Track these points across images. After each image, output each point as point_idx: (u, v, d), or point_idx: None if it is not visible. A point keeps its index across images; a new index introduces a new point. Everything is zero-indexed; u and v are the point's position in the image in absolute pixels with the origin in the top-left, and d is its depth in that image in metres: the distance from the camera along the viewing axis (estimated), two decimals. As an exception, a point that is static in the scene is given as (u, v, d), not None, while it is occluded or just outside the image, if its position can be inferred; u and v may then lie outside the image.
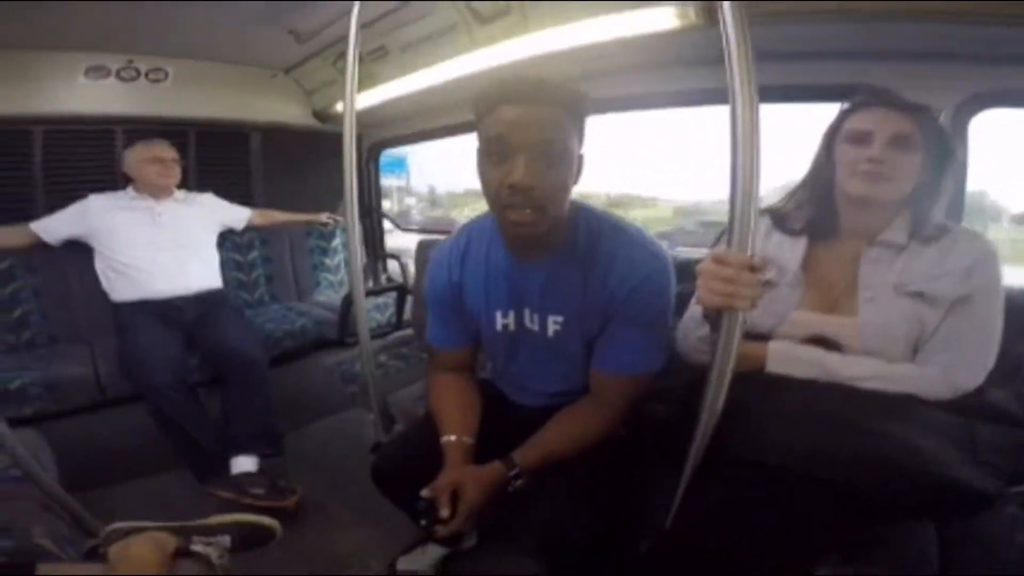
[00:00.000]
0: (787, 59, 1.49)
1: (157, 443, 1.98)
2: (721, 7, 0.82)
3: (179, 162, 2.35)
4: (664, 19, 1.42)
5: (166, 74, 2.53)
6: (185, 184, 2.48)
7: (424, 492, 1.07)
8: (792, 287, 1.09)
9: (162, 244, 2.26)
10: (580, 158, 1.05)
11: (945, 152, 1.04)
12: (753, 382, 1.00)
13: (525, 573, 1.05)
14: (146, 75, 2.49)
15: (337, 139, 1.58)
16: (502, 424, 1.25)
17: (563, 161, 1.00)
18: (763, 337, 1.08)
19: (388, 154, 3.33)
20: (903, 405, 0.92)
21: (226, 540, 1.40)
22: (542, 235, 1.04)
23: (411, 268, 2.86)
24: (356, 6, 1.48)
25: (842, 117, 1.08)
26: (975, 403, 0.95)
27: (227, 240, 2.66)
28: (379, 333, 2.62)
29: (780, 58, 1.47)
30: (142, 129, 2.45)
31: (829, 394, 0.95)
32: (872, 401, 0.93)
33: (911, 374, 0.97)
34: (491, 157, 0.99)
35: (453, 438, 1.17)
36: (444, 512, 1.03)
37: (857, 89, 1.10)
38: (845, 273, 1.08)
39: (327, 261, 3.11)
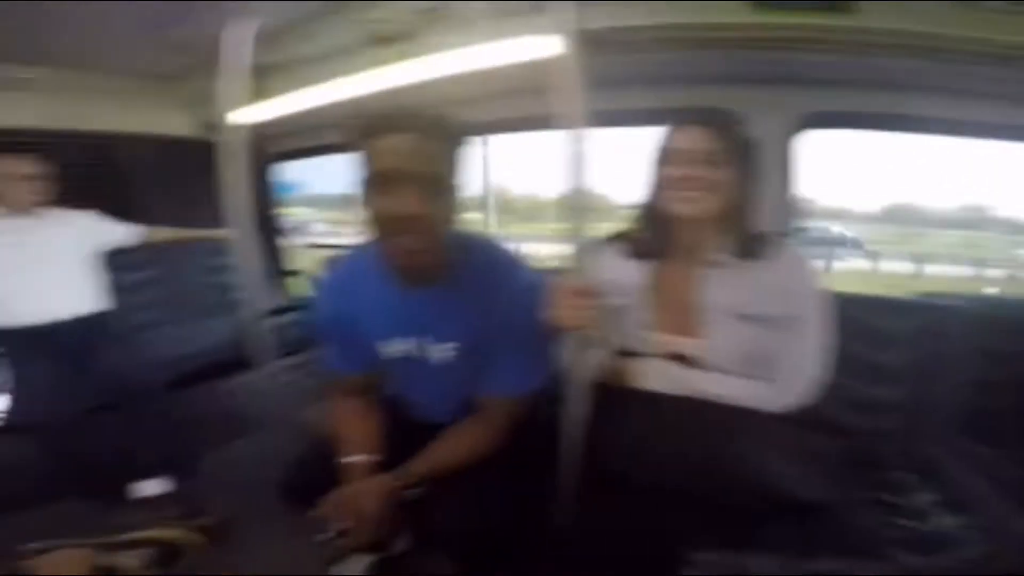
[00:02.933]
0: (635, 85, 1.66)
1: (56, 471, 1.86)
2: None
3: (39, 178, 2.17)
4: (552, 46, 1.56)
5: (31, 83, 2.34)
6: (61, 200, 2.29)
7: (312, 513, 1.10)
8: (639, 308, 1.17)
9: (30, 267, 2.10)
10: (462, 186, 1.10)
11: (753, 167, 1.12)
12: (622, 400, 1.12)
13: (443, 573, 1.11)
14: (10, 84, 2.30)
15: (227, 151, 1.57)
16: (408, 437, 1.24)
17: (448, 190, 1.05)
18: (633, 355, 1.18)
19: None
20: (749, 422, 1.05)
21: (147, 553, 1.36)
22: (428, 263, 1.09)
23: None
24: (247, 24, 1.50)
25: (661, 140, 1.14)
26: (807, 415, 1.09)
27: (113, 260, 2.49)
28: (287, 352, 2.56)
29: (630, 85, 1.63)
30: (7, 142, 2.22)
31: (685, 412, 1.07)
32: (722, 418, 1.05)
33: (756, 392, 1.08)
34: (374, 187, 1.01)
35: (355, 459, 1.18)
36: (336, 527, 1.09)
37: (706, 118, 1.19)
38: (687, 293, 1.14)
39: (223, 280, 2.98)
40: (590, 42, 1.11)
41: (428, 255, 1.07)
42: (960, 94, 1.47)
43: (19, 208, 2.13)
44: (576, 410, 1.06)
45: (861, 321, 1.40)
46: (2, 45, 2.09)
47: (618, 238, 1.25)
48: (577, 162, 0.94)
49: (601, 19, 1.38)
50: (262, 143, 2.98)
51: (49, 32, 2.01)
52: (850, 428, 1.27)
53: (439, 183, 1.03)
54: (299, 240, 3.42)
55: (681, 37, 1.37)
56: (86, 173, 2.63)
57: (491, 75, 1.75)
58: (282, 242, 3.31)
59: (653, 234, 1.18)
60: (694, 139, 1.08)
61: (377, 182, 1.01)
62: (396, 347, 1.22)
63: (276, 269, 3.24)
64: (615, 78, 1.66)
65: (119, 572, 1.17)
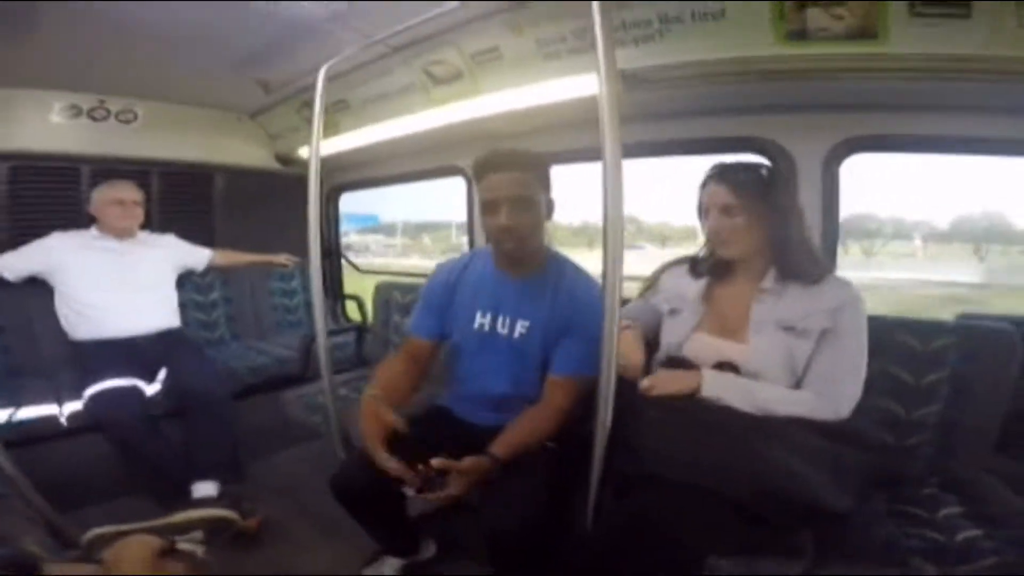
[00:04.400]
0: (678, 117, 1.76)
1: (119, 470, 2.02)
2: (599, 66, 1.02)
3: (141, 204, 2.41)
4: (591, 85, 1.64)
5: (135, 115, 2.63)
6: (148, 224, 2.54)
7: (435, 462, 1.25)
8: (692, 313, 1.35)
9: (122, 285, 2.30)
10: (549, 202, 1.45)
11: (779, 207, 1.23)
12: (661, 405, 1.19)
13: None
14: (116, 115, 2.59)
15: (298, 182, 1.72)
16: (453, 442, 1.39)
17: (532, 207, 1.39)
18: (681, 363, 1.29)
19: (358, 212, 3.47)
20: (784, 431, 1.11)
21: (199, 535, 1.49)
22: (523, 259, 1.47)
23: (369, 308, 2.91)
24: (324, 67, 1.66)
25: (699, 192, 1.32)
26: (843, 428, 1.15)
27: (188, 281, 2.72)
28: (338, 370, 2.63)
29: (671, 116, 1.74)
30: (108, 168, 2.53)
31: (724, 420, 1.14)
32: (759, 426, 1.12)
33: (807, 401, 1.16)
34: (487, 210, 1.40)
35: (373, 392, 1.43)
36: (457, 481, 1.25)
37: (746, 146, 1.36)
38: (739, 308, 1.29)
39: (287, 302, 3.20)
40: (630, 80, 1.19)
41: (523, 254, 1.45)
42: (985, 111, 1.47)
43: (118, 231, 2.36)
44: (605, 416, 1.15)
45: (899, 342, 1.43)
46: (115, 79, 2.38)
47: (691, 259, 1.43)
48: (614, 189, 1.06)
49: (641, 59, 1.51)
50: (329, 175, 3.21)
51: (156, 68, 2.27)
52: (882, 444, 1.28)
53: (527, 203, 1.38)
54: (357, 266, 3.59)
55: (715, 72, 1.47)
56: (176, 200, 2.92)
57: (536, 112, 1.86)
58: (340, 268, 3.51)
59: (715, 259, 1.35)
60: (714, 196, 1.26)
61: (485, 206, 1.40)
62: (481, 318, 1.52)
63: (334, 293, 3.43)
64: (658, 111, 1.79)
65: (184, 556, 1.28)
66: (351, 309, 3.37)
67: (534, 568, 1.30)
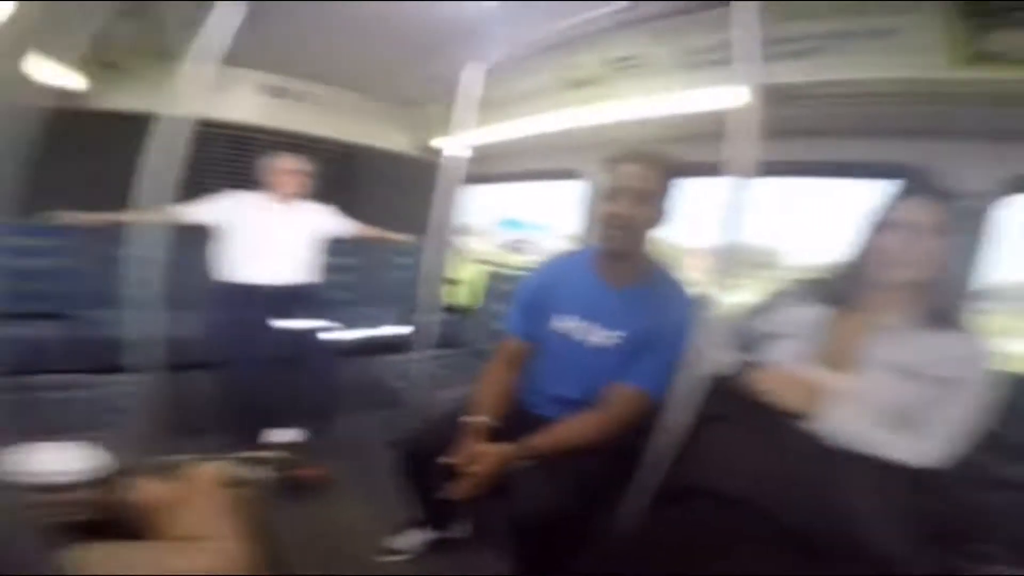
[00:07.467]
0: (835, 136, 1.68)
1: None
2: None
3: (302, 174, 2.64)
4: (732, 97, 1.62)
5: (309, 96, 3.00)
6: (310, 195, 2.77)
7: (442, 459, 1.33)
8: (806, 342, 1.21)
9: (268, 240, 2.55)
10: (663, 210, 1.40)
11: (974, 238, 1.10)
12: (748, 420, 1.15)
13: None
14: (293, 95, 2.97)
15: (433, 170, 1.83)
16: (518, 431, 1.42)
17: (647, 203, 1.38)
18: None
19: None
20: (862, 471, 1.04)
21: (269, 470, 1.61)
22: (625, 260, 1.45)
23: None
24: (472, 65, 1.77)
25: (888, 204, 1.17)
26: (930, 479, 1.05)
27: (331, 245, 2.90)
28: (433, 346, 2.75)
29: (830, 135, 1.65)
30: (277, 142, 2.87)
31: (800, 445, 1.08)
32: (845, 462, 1.05)
33: (894, 441, 1.07)
34: (606, 197, 1.41)
35: (477, 419, 1.43)
36: (469, 475, 1.29)
37: (899, 173, 1.23)
38: (855, 342, 1.17)
39: (404, 276, 3.41)
40: (779, 96, 1.14)
41: (624, 252, 1.43)
42: None
43: (280, 195, 2.61)
44: (675, 418, 1.14)
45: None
46: (291, 60, 2.69)
47: (810, 283, 1.32)
48: (737, 211, 1.08)
49: (793, 74, 1.46)
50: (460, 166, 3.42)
51: (329, 54, 2.54)
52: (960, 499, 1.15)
53: (644, 197, 1.37)
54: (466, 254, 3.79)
55: (882, 92, 1.37)
56: (329, 174, 3.14)
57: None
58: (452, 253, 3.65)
59: (847, 288, 1.23)
60: (917, 213, 1.11)
61: (607, 194, 1.40)
62: (569, 323, 1.50)
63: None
64: (809, 128, 1.71)
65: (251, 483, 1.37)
66: (453, 293, 3.54)
67: (557, 565, 1.27)
